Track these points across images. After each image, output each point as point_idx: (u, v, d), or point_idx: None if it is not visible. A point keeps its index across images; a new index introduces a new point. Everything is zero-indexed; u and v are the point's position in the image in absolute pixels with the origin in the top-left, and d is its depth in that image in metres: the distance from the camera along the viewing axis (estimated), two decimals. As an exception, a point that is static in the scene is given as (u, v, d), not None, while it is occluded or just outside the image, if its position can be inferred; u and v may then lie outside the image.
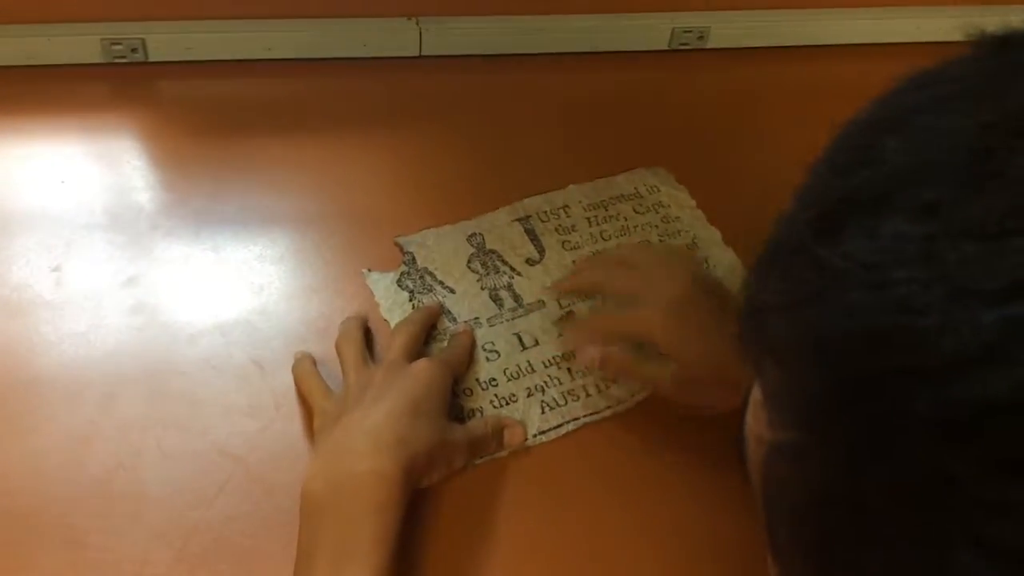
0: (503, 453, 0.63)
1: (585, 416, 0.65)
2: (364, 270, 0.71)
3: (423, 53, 0.90)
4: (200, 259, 0.73)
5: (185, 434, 0.63)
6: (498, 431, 0.63)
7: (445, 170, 0.81)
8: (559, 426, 0.64)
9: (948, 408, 0.23)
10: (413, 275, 0.72)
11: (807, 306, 0.27)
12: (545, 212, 0.77)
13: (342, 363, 0.65)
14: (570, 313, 0.70)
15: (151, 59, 0.86)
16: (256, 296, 0.70)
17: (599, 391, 0.66)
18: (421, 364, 0.62)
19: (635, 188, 0.80)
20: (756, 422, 0.32)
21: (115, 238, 0.73)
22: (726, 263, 0.75)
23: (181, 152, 0.80)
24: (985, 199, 0.24)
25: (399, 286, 0.71)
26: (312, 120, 0.84)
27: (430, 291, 0.71)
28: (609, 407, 0.66)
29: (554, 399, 0.66)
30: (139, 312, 0.69)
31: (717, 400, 0.59)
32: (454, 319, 0.69)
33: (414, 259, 0.73)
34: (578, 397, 0.66)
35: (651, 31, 0.94)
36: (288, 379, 0.65)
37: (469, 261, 0.73)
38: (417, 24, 0.88)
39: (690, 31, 0.94)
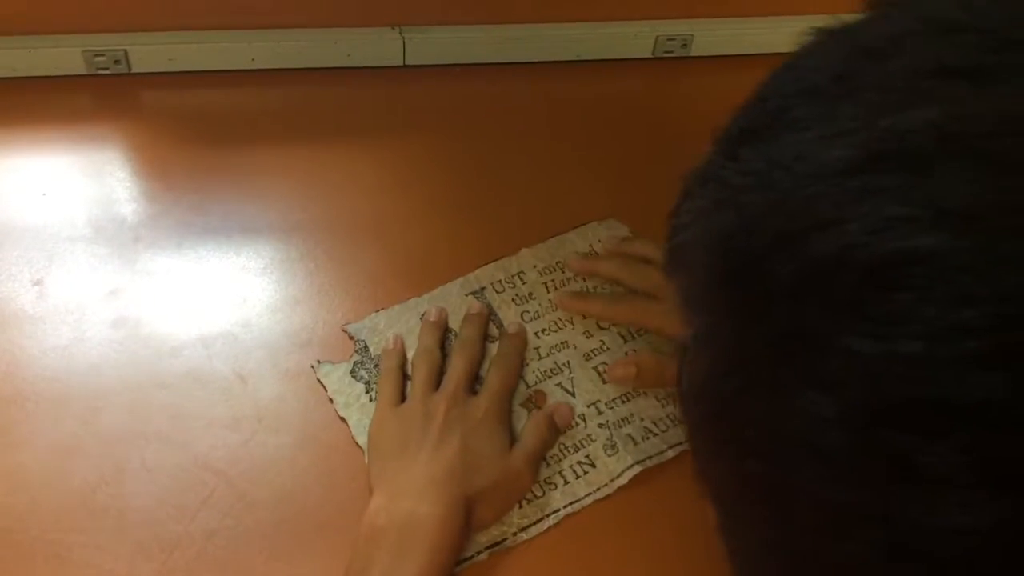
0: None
1: (565, 507, 0.61)
2: (314, 362, 0.67)
3: (407, 63, 0.90)
4: (183, 271, 0.72)
5: (168, 447, 0.62)
6: (550, 426, 0.64)
7: (430, 179, 0.81)
8: (539, 520, 0.60)
9: (800, 266, 0.28)
10: (367, 364, 0.67)
11: (710, 214, 0.32)
12: (499, 282, 0.73)
13: (413, 379, 0.65)
14: (538, 393, 0.66)
15: (134, 70, 0.86)
16: (239, 308, 0.70)
17: (577, 476, 0.62)
18: (481, 404, 0.63)
19: (590, 245, 0.76)
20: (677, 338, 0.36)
21: (97, 251, 0.73)
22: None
23: (164, 163, 0.80)
24: (844, 106, 0.30)
25: (353, 377, 0.66)
26: (296, 130, 0.85)
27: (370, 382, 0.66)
28: (589, 494, 0.62)
29: (531, 491, 0.62)
30: (121, 325, 0.68)
31: None
32: None
33: (367, 347, 0.68)
34: (555, 486, 0.62)
35: (635, 39, 0.94)
36: (271, 391, 0.65)
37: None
38: (401, 34, 0.89)
39: (674, 39, 0.95)
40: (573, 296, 0.72)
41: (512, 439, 0.63)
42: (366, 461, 0.62)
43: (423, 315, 0.70)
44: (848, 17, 0.33)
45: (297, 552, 0.59)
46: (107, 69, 0.85)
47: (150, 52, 0.85)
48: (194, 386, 0.65)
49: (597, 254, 0.76)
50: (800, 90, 0.31)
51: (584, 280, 0.73)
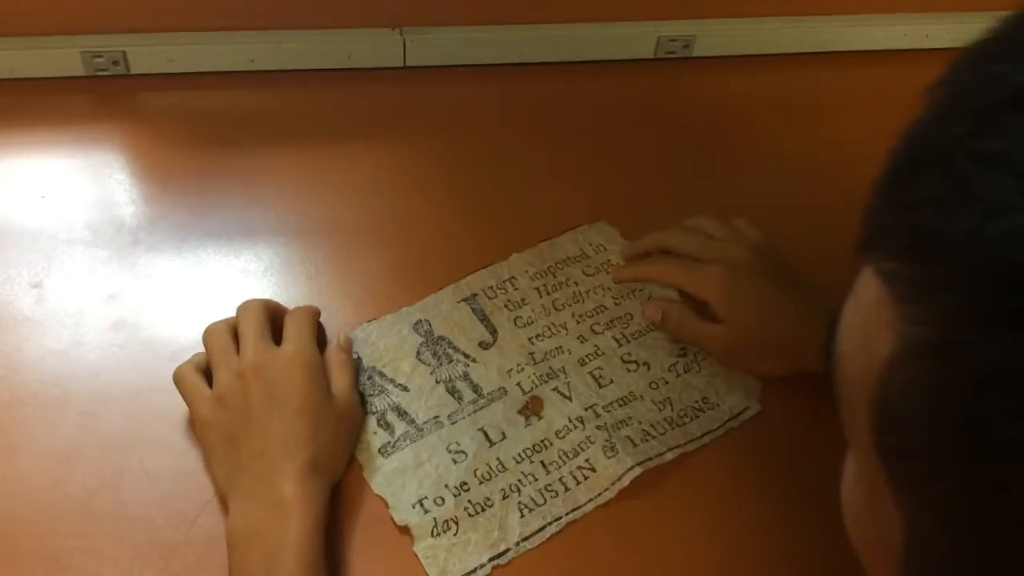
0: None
1: (567, 514, 0.60)
2: None
3: (408, 64, 0.90)
4: (183, 274, 0.72)
5: (168, 452, 0.62)
6: (346, 353, 0.65)
7: (429, 181, 0.81)
8: (541, 529, 0.60)
9: None
10: (361, 377, 0.66)
11: (963, 208, 0.27)
12: (491, 288, 0.72)
13: (210, 355, 0.63)
14: (534, 399, 0.66)
15: (133, 71, 0.85)
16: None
17: (577, 483, 0.62)
18: (285, 351, 0.62)
19: (580, 249, 0.76)
20: (875, 325, 0.31)
21: (97, 253, 0.73)
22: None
23: (163, 165, 0.80)
24: None
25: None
26: (296, 133, 0.84)
27: (382, 392, 0.66)
28: (591, 500, 0.61)
29: (531, 499, 0.61)
30: (121, 329, 0.68)
31: (768, 366, 0.66)
32: (412, 420, 0.64)
33: (359, 359, 0.67)
34: (556, 493, 0.61)
35: (637, 40, 0.94)
36: (272, 395, 0.65)
37: (419, 352, 0.68)
38: (401, 35, 0.88)
39: (676, 40, 0.94)
40: (628, 266, 0.74)
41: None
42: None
43: (414, 324, 0.70)
44: None
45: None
46: (106, 70, 0.84)
47: (149, 53, 0.84)
48: (194, 390, 0.65)
49: (589, 257, 0.75)
50: None
51: (576, 285, 0.73)
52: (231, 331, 0.64)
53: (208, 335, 0.64)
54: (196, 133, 0.83)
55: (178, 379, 0.63)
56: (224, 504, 0.59)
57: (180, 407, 0.64)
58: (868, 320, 0.31)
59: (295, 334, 0.64)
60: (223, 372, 0.62)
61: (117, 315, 0.69)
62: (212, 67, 0.86)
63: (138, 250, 0.73)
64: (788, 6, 0.96)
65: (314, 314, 0.67)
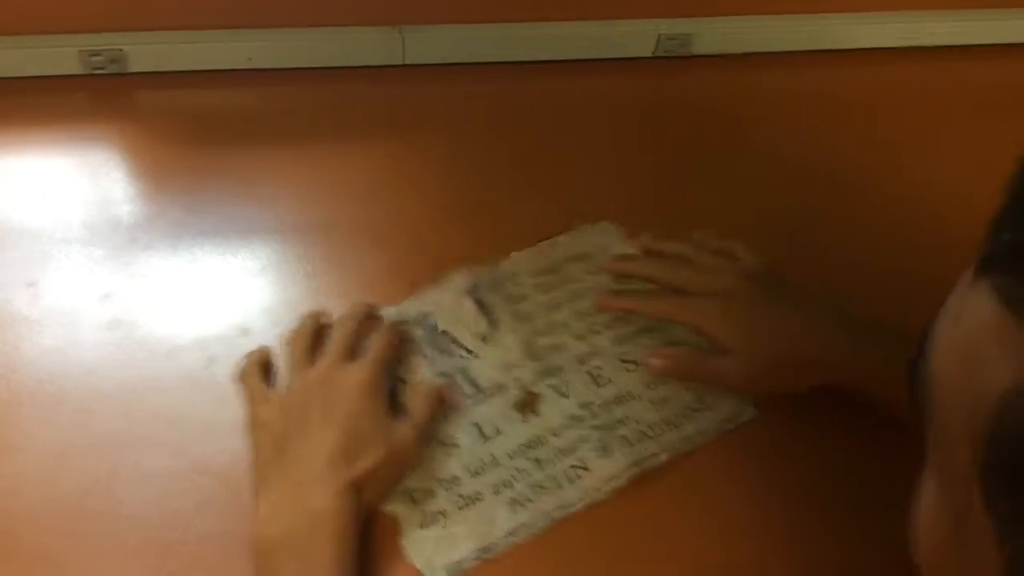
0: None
1: (556, 511, 0.60)
2: None
3: (407, 62, 0.89)
4: (179, 273, 0.72)
5: (163, 451, 0.62)
6: (436, 400, 0.63)
7: (427, 180, 0.81)
8: (530, 525, 0.60)
9: None
10: None
11: None
12: (493, 283, 0.72)
13: (288, 355, 0.64)
14: (531, 395, 0.66)
15: (130, 70, 0.85)
16: (236, 310, 0.69)
17: (570, 481, 0.61)
18: (355, 372, 0.61)
19: (582, 248, 0.76)
20: (985, 351, 0.29)
21: (93, 252, 0.72)
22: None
23: (160, 164, 0.80)
24: None
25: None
26: (294, 130, 0.84)
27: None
28: (582, 499, 0.61)
29: (523, 494, 0.61)
30: (117, 327, 0.68)
31: (787, 385, 0.65)
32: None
33: None
34: (548, 489, 0.61)
35: (636, 38, 0.94)
36: (268, 394, 0.65)
37: (420, 346, 0.68)
38: (400, 33, 0.88)
39: (674, 38, 0.94)
40: (613, 295, 0.72)
41: (397, 406, 0.63)
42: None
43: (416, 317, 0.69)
44: None
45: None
46: (103, 69, 0.84)
47: (147, 51, 0.84)
48: (191, 389, 0.65)
49: (591, 256, 0.75)
50: None
51: (577, 283, 0.73)
52: (316, 335, 0.65)
53: (295, 336, 0.65)
54: (193, 131, 0.83)
55: (242, 376, 0.64)
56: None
57: (177, 406, 0.64)
58: (980, 345, 0.29)
59: (372, 354, 0.63)
60: (295, 378, 0.62)
61: (113, 314, 0.69)
62: (210, 65, 0.86)
63: (134, 248, 0.73)
64: (787, 4, 0.96)
65: (396, 338, 0.66)
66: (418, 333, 0.69)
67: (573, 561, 0.59)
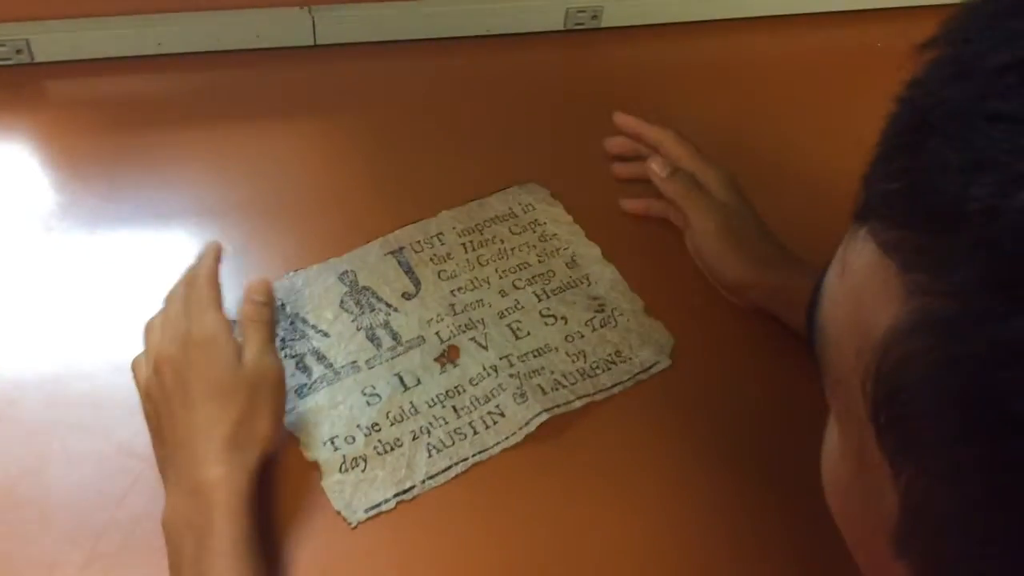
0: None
1: (474, 455, 0.63)
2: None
3: (317, 42, 0.90)
4: (97, 259, 0.72)
5: (89, 436, 0.62)
6: (260, 307, 0.63)
7: (347, 156, 0.81)
8: (447, 469, 0.62)
9: None
10: (283, 322, 0.68)
11: (983, 175, 0.26)
12: (419, 242, 0.74)
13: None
14: (451, 347, 0.68)
15: (37, 60, 0.84)
16: (156, 293, 0.69)
17: (487, 427, 0.64)
18: (189, 340, 0.60)
19: (509, 208, 0.77)
20: (868, 296, 0.30)
21: (7, 242, 0.72)
22: (607, 279, 0.73)
23: (74, 152, 0.79)
24: None
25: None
26: (208, 114, 0.84)
27: (303, 337, 0.68)
28: (498, 443, 0.63)
29: (440, 440, 0.63)
30: (36, 317, 0.67)
31: (752, 274, 0.70)
32: (330, 364, 0.66)
33: (283, 305, 0.69)
34: (465, 436, 0.63)
35: (545, 12, 0.95)
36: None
37: (342, 301, 0.70)
38: (310, 13, 0.88)
39: (584, 11, 0.95)
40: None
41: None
42: None
43: (340, 274, 0.71)
44: None
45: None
46: (9, 60, 0.83)
47: (53, 40, 0.83)
48: (113, 374, 0.65)
49: (516, 216, 0.77)
50: None
51: (502, 242, 0.75)
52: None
53: (146, 330, 0.64)
54: (106, 119, 0.82)
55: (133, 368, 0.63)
56: None
57: (100, 391, 0.64)
58: (863, 290, 0.31)
59: (195, 309, 0.61)
60: (142, 368, 0.61)
61: (32, 303, 0.68)
62: (118, 52, 0.85)
63: (50, 237, 0.73)
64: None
65: (211, 272, 0.63)
66: (340, 289, 0.70)
67: (489, 503, 0.62)
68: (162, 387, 0.59)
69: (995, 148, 0.26)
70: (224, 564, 0.53)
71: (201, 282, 0.63)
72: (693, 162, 0.76)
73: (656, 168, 0.75)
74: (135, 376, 0.62)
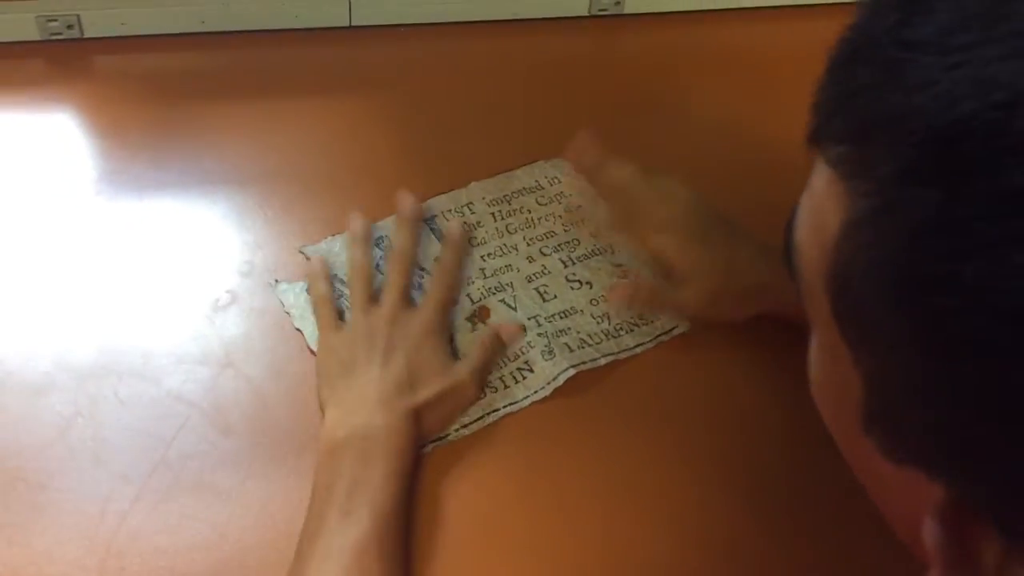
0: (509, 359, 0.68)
1: (504, 407, 0.66)
2: (272, 281, 0.72)
3: (353, 24, 0.93)
4: (145, 220, 0.75)
5: (140, 382, 0.65)
6: (496, 341, 0.68)
7: (380, 132, 0.84)
8: (480, 418, 0.66)
9: None
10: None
11: (895, 88, 0.31)
12: (450, 211, 0.77)
13: (350, 298, 0.69)
14: (482, 308, 0.71)
15: (86, 35, 0.87)
16: (200, 253, 0.73)
17: (516, 381, 0.67)
18: (421, 318, 0.67)
19: (536, 180, 0.80)
20: (824, 208, 0.34)
21: (60, 206, 0.75)
22: (629, 248, 0.75)
23: (120, 123, 0.82)
24: None
25: (308, 294, 0.70)
26: (248, 90, 0.87)
27: (340, 297, 0.70)
28: (527, 396, 0.67)
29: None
30: (89, 273, 0.71)
31: (741, 312, 0.70)
32: None
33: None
34: (496, 389, 0.67)
35: (571, -2, 0.98)
36: (236, 329, 0.69)
37: (377, 264, 0.72)
38: (346, -5, 0.91)
39: (609, -4, 0.98)
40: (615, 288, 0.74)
41: (453, 349, 0.68)
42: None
43: (375, 240, 0.74)
44: None
45: (272, 471, 0.62)
46: (60, 34, 0.87)
47: (102, 17, 0.87)
48: (162, 325, 0.68)
49: (543, 188, 0.80)
50: None
51: (529, 212, 0.78)
52: (371, 268, 0.71)
53: (352, 270, 0.71)
54: (150, 92, 0.85)
55: (314, 303, 0.69)
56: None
57: (150, 341, 0.67)
58: (820, 204, 0.35)
59: (433, 298, 0.69)
60: (358, 317, 0.68)
61: (83, 262, 0.72)
62: (164, 29, 0.89)
63: (99, 200, 0.76)
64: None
65: (456, 282, 0.71)
66: (376, 253, 0.73)
67: (518, 451, 0.65)
68: (375, 335, 0.66)
69: (903, 66, 0.31)
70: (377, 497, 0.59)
71: (445, 277, 0.71)
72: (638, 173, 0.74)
73: (618, 297, 0.72)
74: (319, 308, 0.69)
